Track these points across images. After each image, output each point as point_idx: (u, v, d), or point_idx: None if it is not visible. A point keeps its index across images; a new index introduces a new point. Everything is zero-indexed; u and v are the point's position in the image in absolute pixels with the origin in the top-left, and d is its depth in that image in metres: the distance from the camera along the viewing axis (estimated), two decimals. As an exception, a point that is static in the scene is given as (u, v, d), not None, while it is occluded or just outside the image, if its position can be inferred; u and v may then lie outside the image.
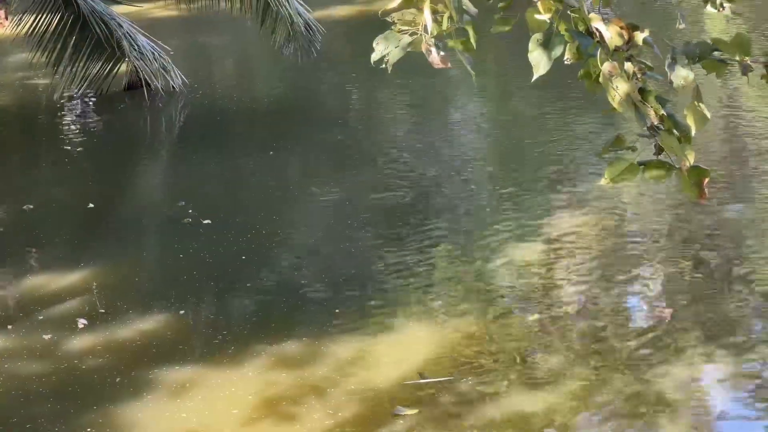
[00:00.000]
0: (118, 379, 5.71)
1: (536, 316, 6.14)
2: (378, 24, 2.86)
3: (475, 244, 7.23)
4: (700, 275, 6.63)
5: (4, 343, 6.13)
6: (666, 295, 6.42)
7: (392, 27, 2.74)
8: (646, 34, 2.63)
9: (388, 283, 6.69)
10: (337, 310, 6.32)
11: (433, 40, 2.69)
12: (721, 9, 2.72)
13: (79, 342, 6.11)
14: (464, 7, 2.75)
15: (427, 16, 2.68)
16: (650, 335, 5.93)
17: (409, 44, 2.71)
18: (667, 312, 6.15)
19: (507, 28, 2.80)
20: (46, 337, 6.15)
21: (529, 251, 7.00)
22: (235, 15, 11.25)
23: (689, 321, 6.03)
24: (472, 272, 6.78)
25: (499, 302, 6.38)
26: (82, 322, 6.29)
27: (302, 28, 10.73)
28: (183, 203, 8.04)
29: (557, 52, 2.68)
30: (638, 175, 2.62)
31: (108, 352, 5.99)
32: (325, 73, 12.25)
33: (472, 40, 2.77)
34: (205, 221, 7.73)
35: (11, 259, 7.35)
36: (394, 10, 2.77)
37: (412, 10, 2.72)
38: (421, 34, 2.70)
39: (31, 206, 8.26)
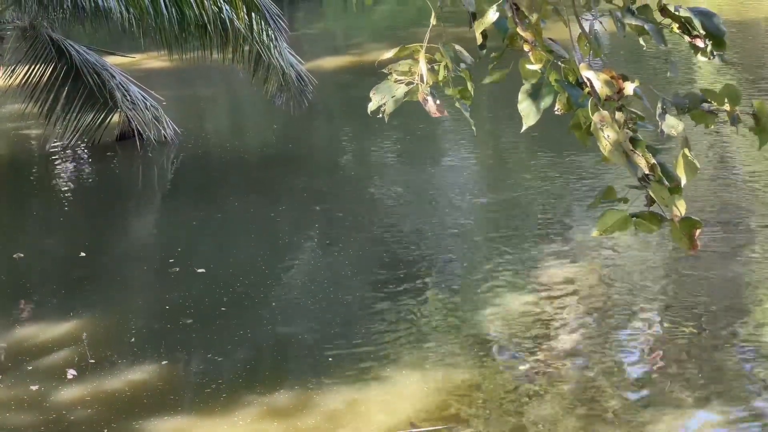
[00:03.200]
0: (106, 430, 5.66)
1: (527, 365, 6.12)
2: (369, 74, 2.89)
3: (467, 293, 7.22)
4: (691, 325, 6.62)
5: (-8, 394, 6.09)
6: (657, 345, 6.41)
7: (388, 77, 2.77)
8: (636, 84, 2.66)
9: (379, 333, 6.67)
10: (328, 360, 6.30)
11: (429, 89, 2.72)
12: (711, 58, 2.75)
13: (68, 393, 6.06)
14: (459, 56, 2.78)
15: (422, 65, 2.71)
16: (641, 385, 5.91)
17: (406, 94, 2.73)
18: (659, 362, 6.14)
19: (500, 78, 2.83)
20: (34, 387, 6.10)
21: (521, 301, 7.00)
22: (227, 66, 11.32)
23: (681, 372, 6.02)
24: (464, 322, 6.76)
25: (491, 352, 6.36)
26: (71, 373, 6.24)
27: (294, 79, 10.80)
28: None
29: (547, 102, 2.71)
30: (630, 226, 2.63)
31: (97, 402, 5.94)
32: (318, 123, 12.31)
33: (470, 88, 2.80)
34: (200, 270, 7.72)
35: (1, 308, 7.31)
36: (390, 60, 2.80)
37: (408, 60, 2.75)
38: (417, 84, 2.73)
39: (22, 255, 8.24)
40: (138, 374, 6.24)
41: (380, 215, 9.02)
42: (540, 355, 6.26)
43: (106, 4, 9.97)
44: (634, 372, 6.11)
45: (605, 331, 6.56)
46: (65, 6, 9.82)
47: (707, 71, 13.45)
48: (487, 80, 2.83)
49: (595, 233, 2.68)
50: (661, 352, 6.28)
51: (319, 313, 6.99)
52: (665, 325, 6.66)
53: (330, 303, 7.16)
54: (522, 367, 6.11)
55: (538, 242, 8.15)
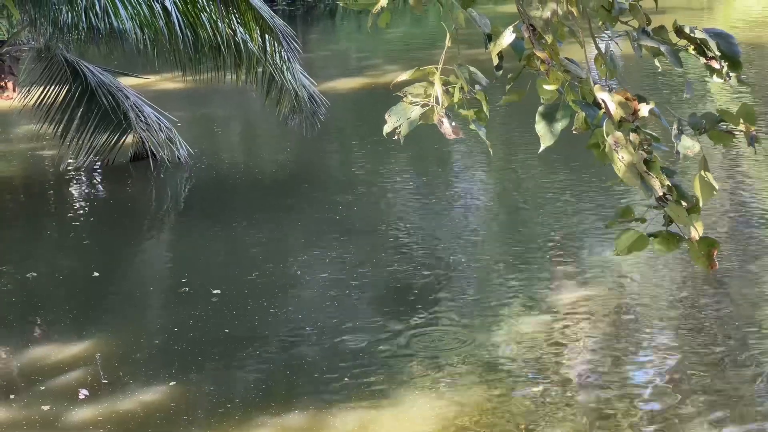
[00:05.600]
0: (119, 451, 5.65)
1: (540, 388, 6.09)
2: (382, 96, 2.90)
3: (480, 315, 7.20)
4: (708, 348, 6.58)
5: (4, 414, 6.08)
6: (673, 368, 6.37)
7: (403, 99, 2.77)
8: (652, 105, 2.66)
9: (391, 355, 6.65)
10: (341, 381, 6.28)
11: (444, 111, 2.72)
12: (726, 79, 2.75)
13: (80, 413, 6.05)
14: (474, 77, 2.78)
15: (437, 87, 2.71)
16: (656, 409, 5.87)
17: (422, 116, 2.74)
18: (674, 385, 6.10)
19: (517, 99, 2.84)
20: (46, 407, 6.09)
21: (534, 323, 6.97)
22: (240, 87, 11.37)
23: (697, 395, 5.98)
24: (476, 343, 6.74)
25: (503, 374, 6.33)
26: (83, 393, 6.24)
27: (306, 101, 10.83)
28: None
29: (563, 124, 2.71)
30: (647, 246, 2.62)
31: (109, 423, 5.93)
32: (331, 144, 12.33)
33: (485, 110, 2.80)
34: (214, 291, 7.72)
35: (14, 328, 7.32)
36: (406, 83, 2.81)
37: (423, 83, 2.76)
38: (432, 106, 2.73)
39: (35, 274, 8.26)
40: (151, 395, 6.23)
41: (393, 236, 9.01)
42: (553, 378, 6.23)
43: (121, 26, 10.04)
44: (649, 396, 6.07)
45: (620, 354, 6.52)
46: (80, 27, 9.89)
47: (723, 92, 13.44)
48: (504, 100, 2.84)
49: (612, 253, 2.68)
50: (676, 375, 6.24)
51: (331, 336, 6.98)
52: (681, 347, 6.62)
53: (343, 324, 7.15)
54: (535, 389, 6.08)
55: (553, 263, 8.12)
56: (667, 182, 2.61)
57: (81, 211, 10.34)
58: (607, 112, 2.65)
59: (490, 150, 3.21)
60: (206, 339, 6.95)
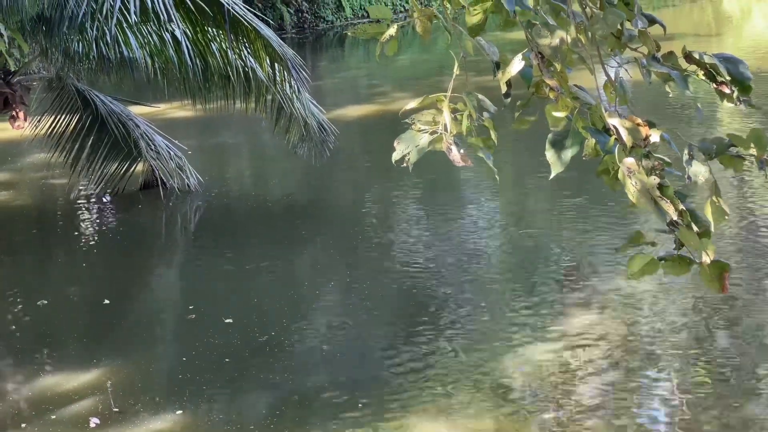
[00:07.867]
0: (130, 480, 5.63)
1: (551, 414, 6.07)
2: (391, 123, 2.91)
3: (489, 341, 7.18)
4: (718, 375, 6.55)
5: (15, 442, 6.08)
6: (682, 395, 6.34)
7: (412, 126, 2.79)
8: (663, 131, 2.66)
9: (401, 381, 6.63)
10: (353, 408, 6.26)
11: (453, 138, 2.73)
12: (737, 103, 2.75)
13: (92, 441, 6.04)
14: (482, 105, 2.79)
15: (446, 115, 2.72)
16: (669, 435, 5.84)
17: (430, 143, 2.75)
18: (683, 412, 6.07)
19: (526, 126, 2.84)
20: (57, 436, 6.09)
21: (545, 349, 6.95)
22: (250, 115, 11.41)
23: (707, 424, 5.94)
24: (486, 370, 6.71)
25: (514, 401, 6.31)
26: (94, 422, 6.23)
27: (315, 129, 10.86)
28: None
29: (574, 151, 2.72)
30: (658, 270, 2.62)
31: (120, 451, 5.92)
32: (340, 172, 12.35)
33: (493, 137, 2.81)
34: (227, 320, 7.71)
35: (24, 356, 7.32)
36: (414, 110, 2.82)
37: (432, 110, 2.77)
38: (441, 133, 2.74)
39: (46, 301, 8.27)
40: (161, 423, 6.22)
41: (403, 263, 9.00)
42: (564, 404, 6.20)
43: (131, 55, 10.10)
44: (660, 424, 6.04)
45: (631, 381, 6.49)
46: (91, 57, 9.95)
47: (733, 116, 13.43)
48: (513, 128, 2.84)
49: (626, 277, 2.68)
50: (685, 402, 6.20)
51: (341, 362, 6.96)
52: (692, 373, 6.58)
53: (353, 351, 7.14)
54: (546, 416, 6.05)
55: (563, 289, 8.10)
56: (681, 206, 2.61)
57: (91, 239, 10.36)
58: (619, 139, 2.65)
59: (497, 177, 3.22)
60: (216, 367, 6.94)
